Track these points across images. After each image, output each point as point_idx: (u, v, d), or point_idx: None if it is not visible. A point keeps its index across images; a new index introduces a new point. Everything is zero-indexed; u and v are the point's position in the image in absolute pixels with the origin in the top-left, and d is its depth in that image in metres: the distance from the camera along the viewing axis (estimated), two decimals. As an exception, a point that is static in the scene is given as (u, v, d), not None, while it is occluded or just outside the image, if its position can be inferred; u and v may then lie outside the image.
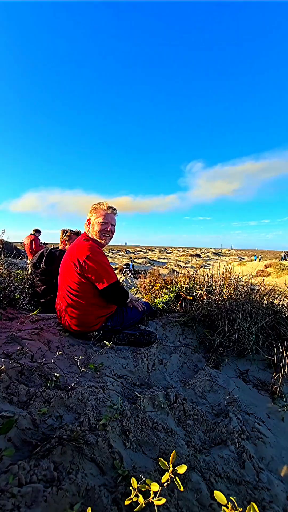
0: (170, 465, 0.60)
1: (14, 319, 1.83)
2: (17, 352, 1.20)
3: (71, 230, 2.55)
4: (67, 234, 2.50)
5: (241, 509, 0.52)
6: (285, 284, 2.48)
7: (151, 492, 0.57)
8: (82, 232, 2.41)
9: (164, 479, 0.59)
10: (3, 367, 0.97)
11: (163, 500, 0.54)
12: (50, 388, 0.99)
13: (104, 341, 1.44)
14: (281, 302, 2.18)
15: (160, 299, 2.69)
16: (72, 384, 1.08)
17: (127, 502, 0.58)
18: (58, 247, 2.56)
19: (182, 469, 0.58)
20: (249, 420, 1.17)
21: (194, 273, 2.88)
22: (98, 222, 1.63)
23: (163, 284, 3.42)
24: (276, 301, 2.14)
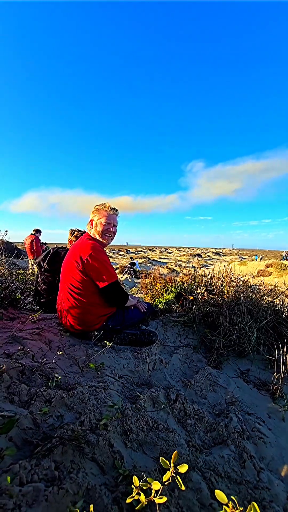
0: (172, 464, 0.60)
1: (15, 319, 1.83)
2: (18, 352, 1.20)
3: (78, 230, 2.55)
4: (74, 234, 2.50)
5: (241, 509, 0.52)
6: (286, 284, 2.48)
7: (152, 491, 0.57)
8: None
9: (165, 478, 0.60)
10: (4, 367, 0.98)
11: (164, 499, 0.54)
12: (51, 388, 0.99)
13: (105, 341, 1.44)
14: (281, 302, 2.18)
15: (160, 299, 2.69)
16: (73, 384, 1.08)
17: (128, 500, 0.59)
18: (65, 247, 2.56)
19: (183, 468, 0.58)
20: (249, 420, 1.17)
21: (195, 273, 2.88)
22: (101, 223, 1.66)
23: (164, 284, 3.42)
24: (276, 301, 2.14)
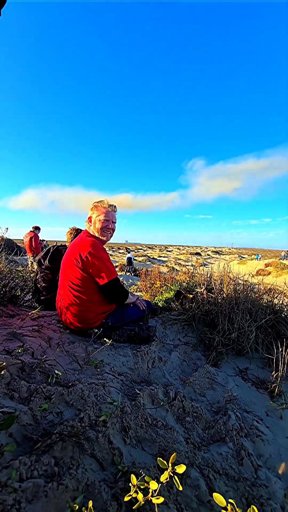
0: (170, 465, 0.61)
1: (14, 316, 1.83)
2: (18, 348, 1.21)
3: (80, 229, 2.55)
4: (73, 234, 2.50)
5: (240, 510, 0.52)
6: (285, 284, 2.48)
7: (150, 490, 0.57)
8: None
9: (163, 478, 0.60)
10: (4, 363, 0.98)
11: (161, 499, 0.55)
12: (51, 385, 1.00)
13: (104, 339, 1.44)
14: (280, 301, 2.18)
15: (160, 297, 2.69)
16: (73, 381, 1.08)
17: (126, 498, 0.59)
18: (65, 245, 2.55)
19: (181, 469, 0.59)
20: (247, 418, 1.17)
21: (194, 272, 2.88)
22: (100, 220, 1.65)
23: (163, 282, 3.42)
24: (275, 301, 2.15)
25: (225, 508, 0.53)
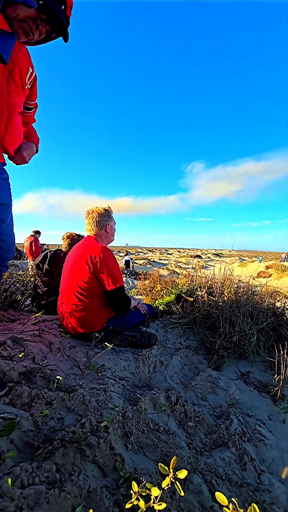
0: (171, 470, 0.61)
1: (15, 320, 1.83)
2: (19, 353, 1.21)
3: (77, 234, 2.56)
4: (70, 239, 2.51)
5: (242, 510, 0.52)
6: None
7: (152, 496, 0.57)
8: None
9: (164, 484, 0.60)
10: (5, 369, 0.98)
11: (164, 505, 0.54)
12: (52, 390, 1.00)
13: (106, 343, 1.44)
14: (282, 304, 2.18)
15: (161, 301, 2.69)
16: (74, 386, 1.08)
17: (128, 506, 0.59)
18: (61, 249, 2.57)
19: (182, 474, 0.59)
20: (250, 422, 1.17)
21: (195, 275, 2.88)
22: (113, 227, 1.80)
23: (163, 286, 3.42)
24: (278, 304, 2.14)
25: (227, 507, 0.53)
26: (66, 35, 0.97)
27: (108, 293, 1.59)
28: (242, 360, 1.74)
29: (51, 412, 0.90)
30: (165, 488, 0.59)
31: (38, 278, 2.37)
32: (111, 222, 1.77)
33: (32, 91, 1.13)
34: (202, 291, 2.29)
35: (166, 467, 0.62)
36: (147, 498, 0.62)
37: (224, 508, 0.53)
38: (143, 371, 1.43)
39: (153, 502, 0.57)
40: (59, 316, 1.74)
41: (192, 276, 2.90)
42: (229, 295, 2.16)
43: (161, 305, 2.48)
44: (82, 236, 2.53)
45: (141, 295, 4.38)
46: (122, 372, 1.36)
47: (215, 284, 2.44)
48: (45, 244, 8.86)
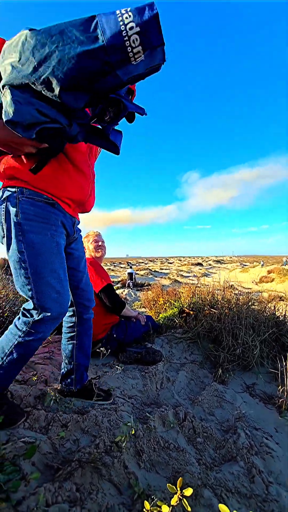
0: (178, 489, 0.67)
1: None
2: (33, 377, 1.27)
3: None
4: None
5: None
6: None
7: (163, 513, 0.63)
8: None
9: (173, 501, 0.66)
10: (22, 394, 1.05)
11: None
12: (66, 412, 1.06)
13: (116, 366, 1.52)
14: (282, 312, 2.23)
15: (164, 314, 2.75)
16: (86, 407, 1.14)
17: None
18: None
19: (188, 492, 0.65)
20: (257, 435, 1.21)
21: (195, 289, 2.95)
22: (91, 243, 2.09)
23: (166, 299, 3.48)
24: (277, 313, 2.20)
25: None
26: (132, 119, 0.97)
27: (99, 294, 1.79)
28: (247, 372, 1.78)
29: (67, 434, 0.95)
30: (175, 505, 0.65)
31: None
32: (87, 243, 2.09)
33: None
34: (203, 305, 2.36)
35: (174, 487, 0.68)
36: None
37: (226, 517, 0.59)
38: (151, 388, 1.48)
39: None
40: None
41: (193, 289, 2.97)
42: (230, 306, 2.23)
43: (164, 320, 2.55)
44: None
45: (145, 307, 4.43)
46: (131, 391, 1.41)
47: (217, 296, 2.50)
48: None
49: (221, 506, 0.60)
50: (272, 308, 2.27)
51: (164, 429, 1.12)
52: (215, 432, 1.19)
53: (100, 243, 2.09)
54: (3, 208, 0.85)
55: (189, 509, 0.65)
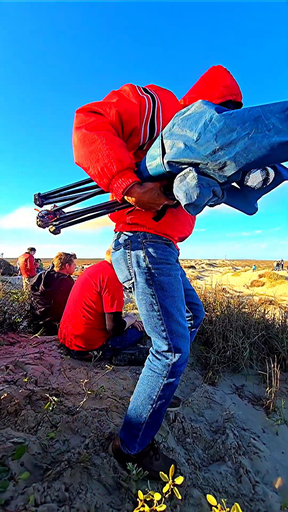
0: (170, 478, 0.68)
1: (15, 343, 1.87)
2: (23, 378, 1.25)
3: (65, 254, 2.65)
4: (62, 259, 2.59)
5: (228, 509, 0.59)
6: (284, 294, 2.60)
7: (155, 501, 0.64)
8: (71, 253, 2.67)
9: (165, 489, 0.67)
10: (13, 394, 1.03)
11: (164, 507, 0.62)
12: (56, 413, 1.05)
13: (106, 365, 1.51)
14: (272, 317, 2.28)
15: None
16: (76, 408, 1.13)
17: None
18: (54, 270, 2.62)
19: (179, 480, 0.66)
20: (245, 435, 1.23)
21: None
22: None
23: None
24: (267, 316, 2.25)
25: (216, 506, 0.60)
26: None
27: (108, 314, 1.70)
28: (236, 374, 1.82)
29: (57, 434, 0.95)
30: (166, 495, 0.66)
31: (34, 300, 2.41)
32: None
33: None
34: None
35: (166, 475, 0.69)
36: (150, 505, 0.68)
37: (213, 507, 0.60)
38: (142, 389, 1.48)
39: (156, 506, 0.63)
40: (59, 332, 1.82)
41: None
42: (221, 309, 2.26)
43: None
44: (71, 255, 2.64)
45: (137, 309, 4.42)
46: (122, 392, 1.41)
47: (209, 299, 2.54)
48: (39, 259, 8.85)
49: (209, 497, 0.61)
50: (262, 311, 2.32)
51: (154, 430, 1.13)
52: (204, 432, 1.21)
53: None
54: (128, 252, 0.89)
55: (179, 496, 0.67)
